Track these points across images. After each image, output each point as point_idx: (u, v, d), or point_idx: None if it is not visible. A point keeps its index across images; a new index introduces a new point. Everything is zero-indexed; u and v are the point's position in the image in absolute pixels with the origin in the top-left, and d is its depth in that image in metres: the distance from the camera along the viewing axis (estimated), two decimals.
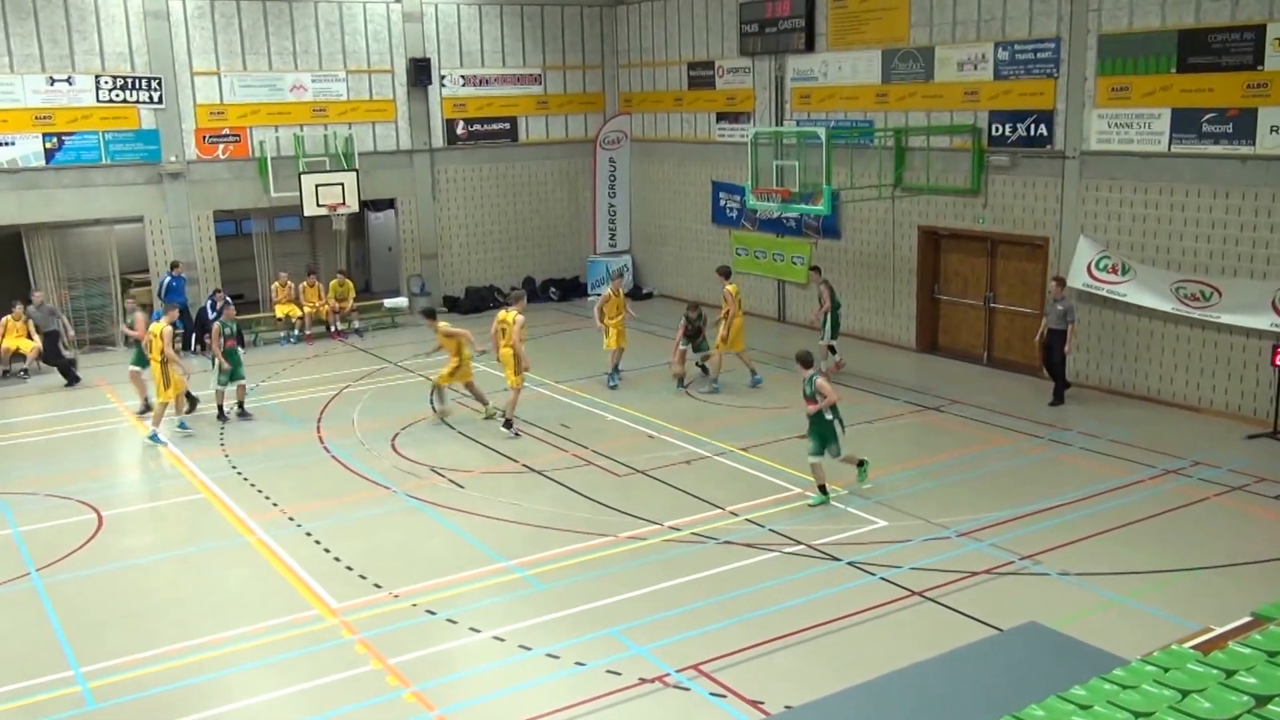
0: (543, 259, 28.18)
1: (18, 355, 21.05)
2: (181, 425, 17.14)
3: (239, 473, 15.14)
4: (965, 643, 9.36)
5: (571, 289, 28.07)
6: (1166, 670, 6.35)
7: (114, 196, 23.12)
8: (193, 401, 17.92)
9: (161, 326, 16.50)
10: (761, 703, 8.93)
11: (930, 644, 9.63)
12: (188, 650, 10.16)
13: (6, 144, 22.04)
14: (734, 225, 25.03)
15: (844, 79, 21.86)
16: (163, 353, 16.38)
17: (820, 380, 13.04)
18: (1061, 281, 17.21)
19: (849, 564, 11.60)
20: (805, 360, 13.28)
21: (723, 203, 25.38)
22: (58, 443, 17.00)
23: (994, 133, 19.06)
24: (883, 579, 11.20)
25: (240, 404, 17.91)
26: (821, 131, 18.10)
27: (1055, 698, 6.23)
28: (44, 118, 22.30)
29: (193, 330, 22.71)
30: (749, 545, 12.16)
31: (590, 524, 12.90)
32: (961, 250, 20.45)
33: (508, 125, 27.29)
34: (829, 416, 13.03)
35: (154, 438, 16.58)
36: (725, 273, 19.26)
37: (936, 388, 18.42)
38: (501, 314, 16.80)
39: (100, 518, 13.60)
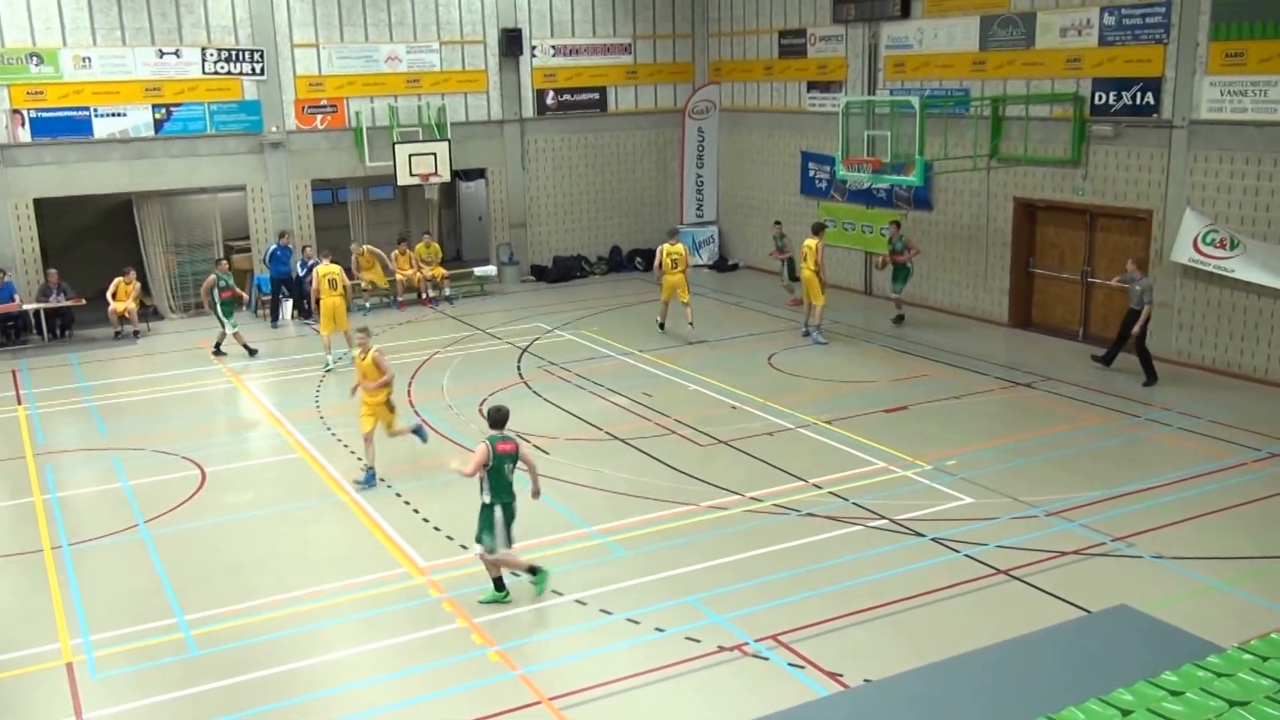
0: (629, 229, 28.25)
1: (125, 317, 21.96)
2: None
3: (333, 434, 15.57)
4: (1051, 624, 9.25)
5: None
6: (1265, 659, 6.15)
7: (218, 165, 23.80)
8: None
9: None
10: (840, 675, 8.95)
11: (1014, 624, 9.54)
12: (282, 603, 10.54)
13: (119, 115, 22.81)
14: (822, 196, 24.78)
15: (940, 46, 21.44)
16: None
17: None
18: (1141, 263, 16.80)
19: (933, 540, 11.51)
20: None
21: (812, 173, 25.14)
22: (164, 401, 17.66)
23: (1097, 101, 18.52)
24: (967, 556, 11.10)
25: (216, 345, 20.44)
26: (915, 100, 17.79)
27: (1145, 683, 6.11)
28: (153, 89, 23.02)
29: (287, 295, 23.32)
30: (831, 518, 12.14)
31: (672, 492, 13.00)
32: (1059, 223, 19.97)
33: (597, 95, 27.36)
34: None
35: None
36: (817, 229, 19.89)
37: (1029, 364, 18.07)
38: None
39: (203, 474, 14.14)
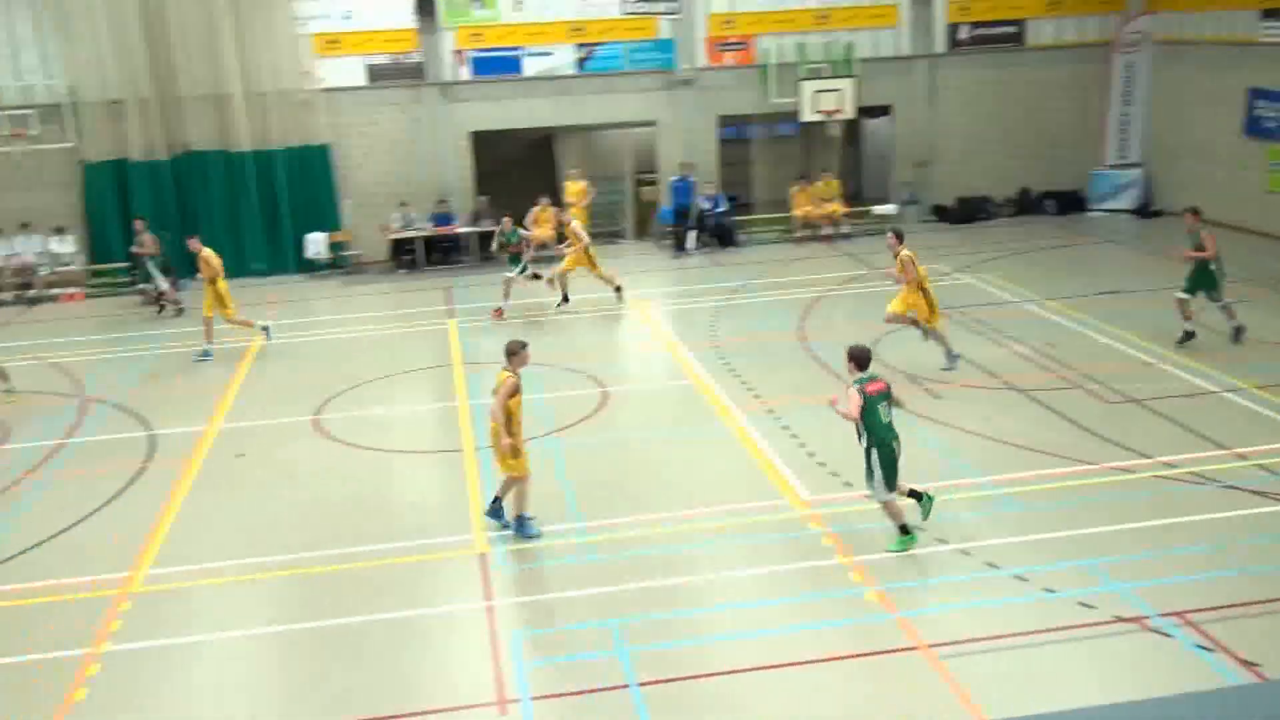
0: (1040, 170, 26.42)
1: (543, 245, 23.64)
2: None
3: (727, 364, 15.99)
4: None
5: (1071, 202, 26.19)
6: None
7: (632, 102, 24.92)
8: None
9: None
10: (1257, 665, 8.05)
11: None
12: (667, 520, 11.03)
13: (545, 54, 24.44)
14: (1274, 139, 21.92)
15: None
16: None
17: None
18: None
19: None
20: None
21: (1258, 112, 22.27)
22: (573, 322, 18.93)
23: None
24: None
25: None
26: None
27: None
28: (577, 29, 24.42)
29: (691, 226, 24.11)
30: (1258, 493, 10.87)
31: (1072, 449, 12.18)
32: None
33: (1013, 29, 25.73)
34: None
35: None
36: (899, 236, 15.31)
37: None
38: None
39: (606, 392, 15.03)
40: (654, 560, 10.22)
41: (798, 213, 24.59)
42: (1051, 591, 9.24)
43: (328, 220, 24.32)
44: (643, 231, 26.46)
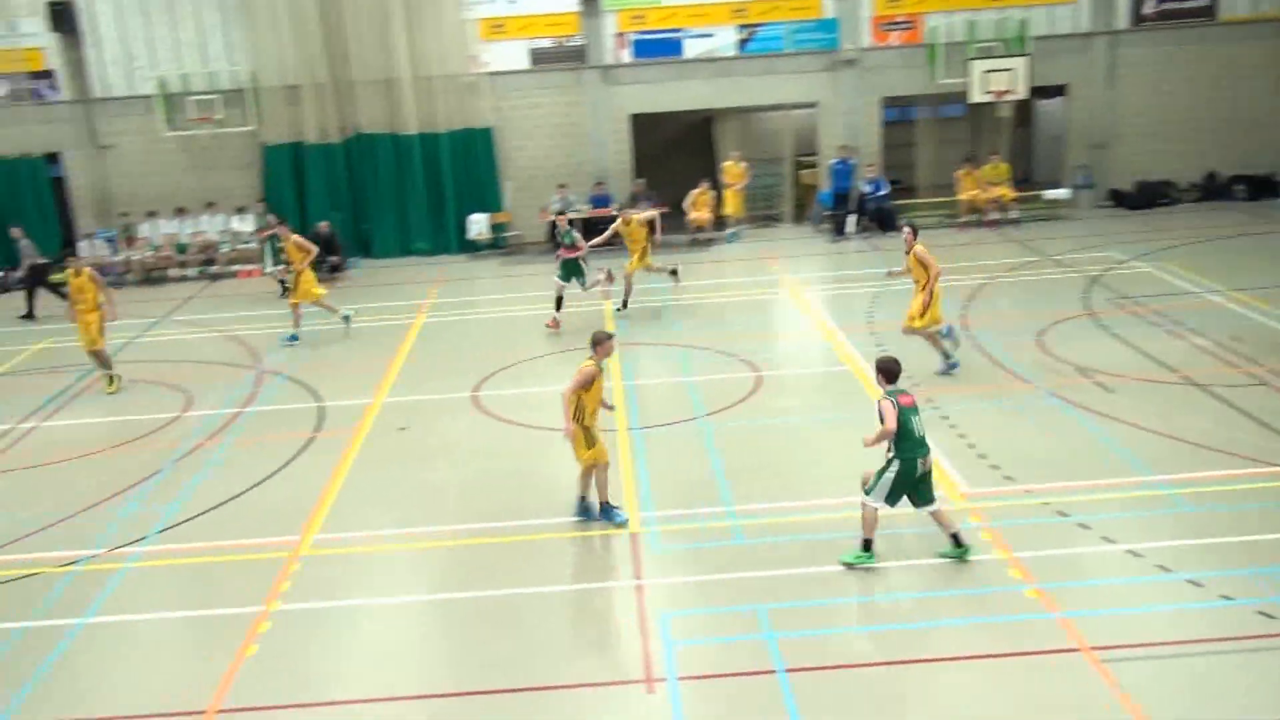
0: (1229, 153, 24.96)
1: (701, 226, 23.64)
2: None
3: (884, 351, 15.58)
4: None
5: (1263, 187, 24.64)
6: None
7: (793, 83, 24.61)
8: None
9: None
10: None
11: None
12: (819, 508, 10.85)
13: (706, 36, 24.34)
14: None
15: None
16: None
17: None
18: None
19: None
20: None
21: None
22: (729, 306, 18.85)
23: None
24: None
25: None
26: None
27: None
28: (739, 10, 24.23)
29: (851, 210, 23.71)
30: None
31: (1256, 449, 11.45)
32: None
33: (1205, 1, 24.30)
34: None
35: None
36: (915, 230, 14.48)
37: None
38: None
39: (759, 376, 14.92)
40: (805, 546, 10.09)
41: (963, 197, 23.86)
42: (1228, 599, 8.71)
43: (489, 202, 24.87)
44: (801, 215, 26.15)
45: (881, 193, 23.98)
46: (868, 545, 9.59)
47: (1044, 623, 8.60)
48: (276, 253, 20.66)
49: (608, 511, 10.72)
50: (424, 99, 24.47)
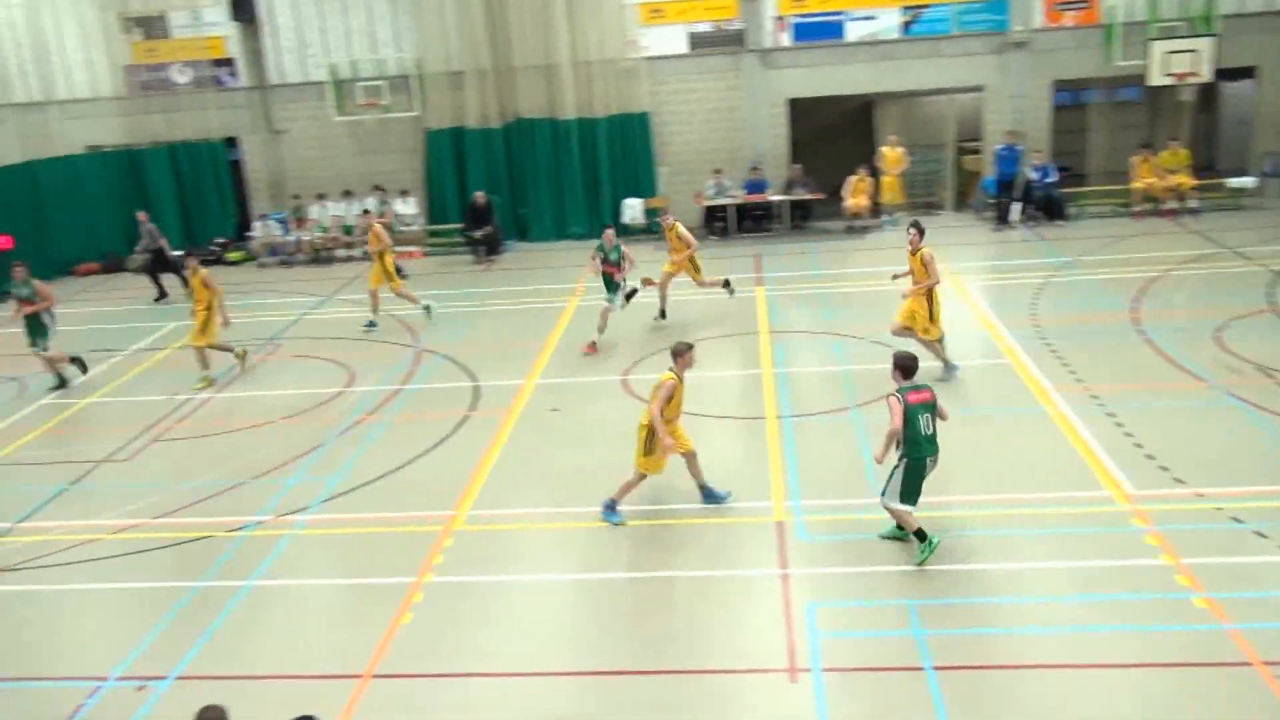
0: None
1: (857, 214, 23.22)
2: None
3: (1047, 343, 15.07)
4: None
5: None
6: None
7: (958, 66, 23.87)
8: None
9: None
10: None
11: None
12: (976, 504, 10.53)
13: (869, 18, 23.82)
14: None
15: None
16: None
17: None
18: None
19: None
20: None
21: None
22: (885, 294, 18.40)
23: None
24: None
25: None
26: None
27: None
28: None
29: (1016, 198, 22.90)
30: None
31: None
32: None
33: None
34: None
35: None
36: (921, 230, 14.02)
37: None
38: None
39: None
40: (957, 543, 9.80)
41: (1138, 185, 22.74)
42: None
43: (644, 186, 24.97)
44: (963, 203, 25.40)
45: (1049, 179, 23.07)
46: (922, 535, 9.47)
47: (1213, 634, 8.16)
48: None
49: (610, 509, 10.72)
50: (583, 84, 24.72)
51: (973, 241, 22.18)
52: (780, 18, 24.10)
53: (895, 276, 14.94)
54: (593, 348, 16.28)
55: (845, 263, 20.76)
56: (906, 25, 23.76)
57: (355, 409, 14.57)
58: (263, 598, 9.82)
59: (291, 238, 25.36)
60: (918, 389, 9.49)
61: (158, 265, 22.07)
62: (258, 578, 10.15)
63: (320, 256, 25.20)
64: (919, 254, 13.70)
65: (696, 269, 17.58)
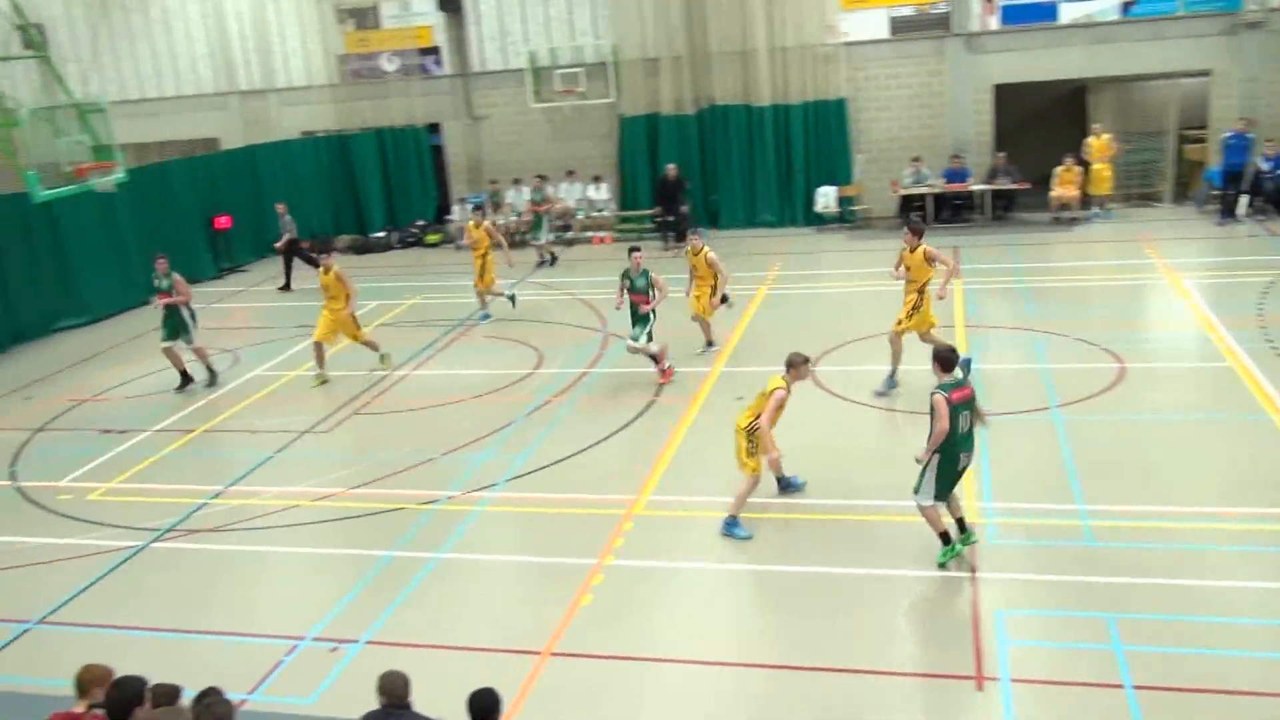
0: None
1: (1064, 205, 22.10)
2: None
3: (1275, 348, 13.95)
4: None
5: None
6: None
7: (1184, 49, 22.39)
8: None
9: None
10: None
11: None
12: (1183, 515, 9.82)
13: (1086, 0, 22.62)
14: None
15: None
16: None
17: None
18: None
19: None
20: None
21: None
22: (1092, 290, 17.49)
23: None
24: None
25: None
26: None
27: None
28: None
29: (1245, 190, 21.35)
30: None
31: None
32: None
33: None
34: None
35: None
36: (919, 231, 13.45)
37: None
38: None
39: (1123, 367, 13.72)
40: (1163, 555, 9.17)
41: None
42: None
43: (839, 174, 24.47)
44: (1183, 194, 23.81)
45: None
46: (946, 538, 9.28)
47: None
48: (537, 227, 23.00)
49: (731, 524, 10.33)
50: (779, 70, 24.40)
51: (1193, 236, 20.79)
52: (989, 0, 23.14)
53: (896, 275, 13.75)
54: (668, 375, 14.68)
55: (1048, 255, 19.80)
56: (1126, 6, 22.41)
57: (544, 390, 14.81)
58: (449, 570, 10.07)
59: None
60: (959, 386, 9.19)
61: (290, 254, 22.90)
62: (446, 551, 10.43)
63: (515, 240, 25.75)
64: (918, 252, 13.19)
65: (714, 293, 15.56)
